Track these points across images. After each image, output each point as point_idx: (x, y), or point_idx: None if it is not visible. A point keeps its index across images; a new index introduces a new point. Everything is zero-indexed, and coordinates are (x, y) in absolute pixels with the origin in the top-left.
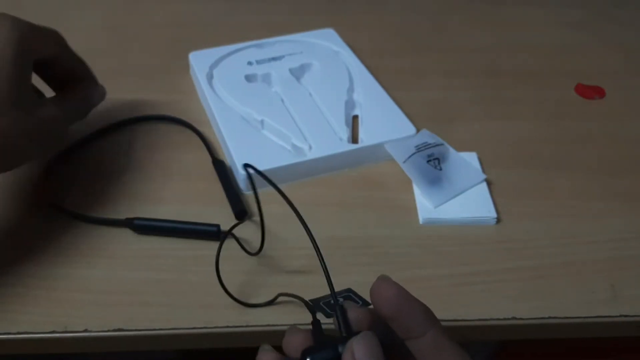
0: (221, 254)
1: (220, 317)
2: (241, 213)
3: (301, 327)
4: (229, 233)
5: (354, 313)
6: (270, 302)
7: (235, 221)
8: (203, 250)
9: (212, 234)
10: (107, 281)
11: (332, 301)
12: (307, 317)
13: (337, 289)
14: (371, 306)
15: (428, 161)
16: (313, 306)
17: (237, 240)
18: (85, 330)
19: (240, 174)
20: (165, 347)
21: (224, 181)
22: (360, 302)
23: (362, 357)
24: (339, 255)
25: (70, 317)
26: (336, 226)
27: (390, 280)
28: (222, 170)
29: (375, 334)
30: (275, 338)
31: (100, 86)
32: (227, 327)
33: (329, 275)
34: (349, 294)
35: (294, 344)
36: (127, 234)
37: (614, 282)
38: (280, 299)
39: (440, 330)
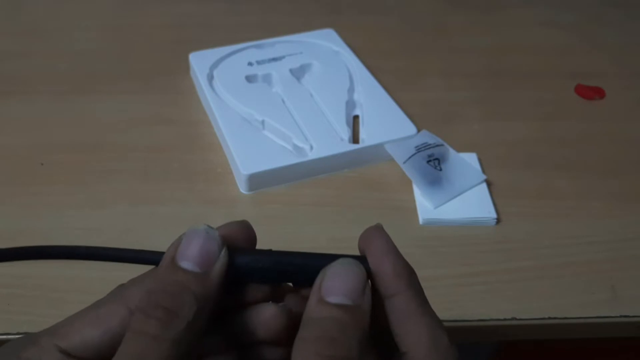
0: None
1: None
2: None
3: None
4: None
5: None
6: None
7: None
8: None
9: None
10: (107, 282)
11: None
12: None
13: None
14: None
15: (428, 162)
16: None
17: None
18: None
19: (241, 175)
20: None
21: None
22: None
23: (333, 290)
24: None
25: None
26: (336, 227)
27: (382, 232)
28: None
29: (361, 263)
30: None
31: None
32: None
33: None
34: None
35: None
36: None
37: (614, 283)
38: None
39: (412, 296)
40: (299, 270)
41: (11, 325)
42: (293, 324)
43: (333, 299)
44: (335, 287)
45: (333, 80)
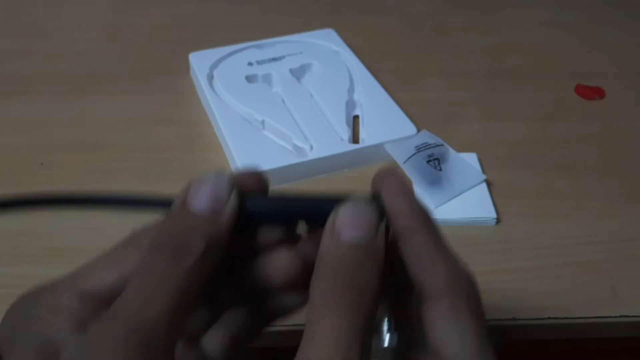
0: None
1: None
2: None
3: None
4: None
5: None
6: None
7: None
8: None
9: None
10: None
11: None
12: None
13: None
14: None
15: (428, 162)
16: None
17: None
18: None
19: None
20: None
21: None
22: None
23: (346, 227)
24: None
25: None
26: None
27: (396, 173)
28: None
29: (375, 202)
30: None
31: None
32: None
33: None
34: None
35: None
36: None
37: (614, 283)
38: None
39: (429, 236)
40: (311, 213)
41: None
42: (308, 269)
43: (347, 236)
44: (349, 224)
45: (333, 80)
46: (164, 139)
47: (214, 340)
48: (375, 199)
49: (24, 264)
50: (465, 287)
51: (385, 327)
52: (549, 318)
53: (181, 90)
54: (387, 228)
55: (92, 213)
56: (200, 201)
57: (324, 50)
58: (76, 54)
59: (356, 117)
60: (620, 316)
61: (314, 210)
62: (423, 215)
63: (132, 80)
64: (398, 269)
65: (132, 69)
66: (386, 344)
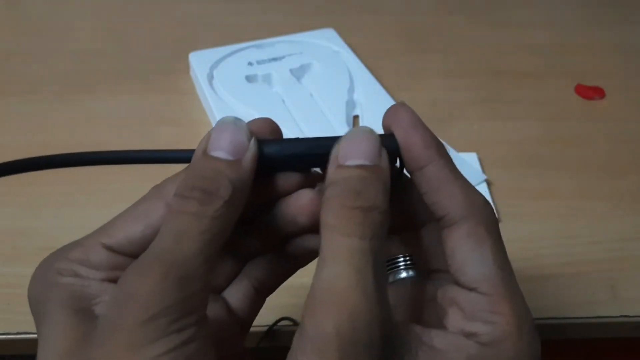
0: None
1: None
2: None
3: None
4: None
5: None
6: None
7: None
8: None
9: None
10: None
11: None
12: None
13: None
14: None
15: None
16: None
17: None
18: None
19: None
20: None
21: None
22: None
23: (348, 153)
24: None
25: None
26: None
27: (407, 107)
28: None
29: (374, 132)
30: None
31: None
32: None
33: None
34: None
35: None
36: None
37: (614, 282)
38: None
39: (444, 164)
40: (327, 152)
41: (11, 325)
42: None
43: (350, 162)
44: (350, 152)
45: (333, 80)
46: (164, 139)
47: (237, 292)
48: (390, 136)
49: (24, 264)
50: (484, 212)
51: (401, 261)
52: (549, 318)
53: (181, 90)
54: (401, 160)
55: (92, 213)
56: (222, 148)
57: (324, 50)
58: (76, 54)
59: (356, 117)
60: (620, 316)
61: (329, 149)
62: (436, 145)
63: (132, 80)
64: (412, 202)
65: (132, 69)
66: (403, 275)
